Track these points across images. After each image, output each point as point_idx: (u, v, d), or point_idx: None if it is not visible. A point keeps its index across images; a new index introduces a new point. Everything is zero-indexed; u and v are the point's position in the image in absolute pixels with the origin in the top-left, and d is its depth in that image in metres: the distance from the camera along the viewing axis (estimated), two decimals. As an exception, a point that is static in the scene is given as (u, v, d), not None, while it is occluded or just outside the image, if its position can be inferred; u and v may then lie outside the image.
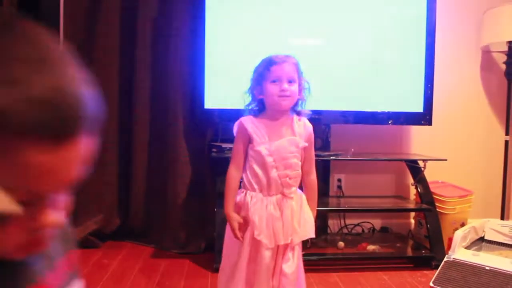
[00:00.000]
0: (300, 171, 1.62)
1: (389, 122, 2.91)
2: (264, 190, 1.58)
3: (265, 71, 1.58)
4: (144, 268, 2.50)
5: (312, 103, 2.81)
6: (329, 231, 3.15)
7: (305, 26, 2.85)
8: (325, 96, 2.85)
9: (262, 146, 1.57)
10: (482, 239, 2.56)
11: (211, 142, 2.88)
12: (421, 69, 2.91)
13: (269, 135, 1.59)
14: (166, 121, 2.88)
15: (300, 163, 1.62)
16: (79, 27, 2.86)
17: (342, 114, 2.88)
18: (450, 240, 2.41)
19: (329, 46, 2.86)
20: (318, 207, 2.82)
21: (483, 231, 2.58)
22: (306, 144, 1.63)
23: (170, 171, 2.85)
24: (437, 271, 2.23)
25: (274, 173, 1.56)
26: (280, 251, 1.62)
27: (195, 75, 2.80)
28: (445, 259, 2.25)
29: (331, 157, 2.78)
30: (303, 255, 2.62)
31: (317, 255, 2.69)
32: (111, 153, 2.92)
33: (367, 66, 2.89)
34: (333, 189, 3.17)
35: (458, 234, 2.30)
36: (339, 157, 2.78)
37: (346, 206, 2.97)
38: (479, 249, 2.43)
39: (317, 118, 2.87)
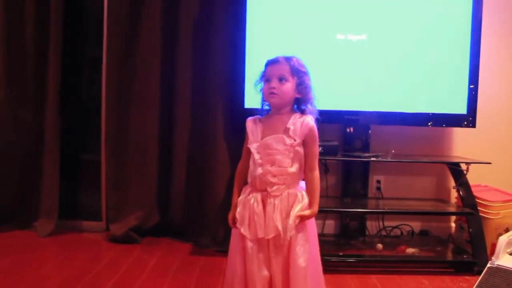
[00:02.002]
0: (289, 169, 1.60)
1: (429, 124, 2.85)
2: (253, 185, 1.63)
3: (263, 72, 1.67)
4: (183, 264, 2.55)
5: (352, 104, 2.83)
6: (367, 232, 3.11)
7: (348, 23, 2.83)
8: (365, 96, 2.83)
9: (254, 144, 1.63)
10: (527, 245, 2.47)
11: (250, 141, 2.89)
12: (465, 70, 2.84)
13: (263, 133, 1.64)
14: (206, 120, 2.92)
15: (290, 160, 1.60)
16: (123, 29, 2.92)
17: (381, 114, 2.84)
18: (493, 245, 2.34)
19: (371, 44, 2.83)
20: (356, 208, 2.85)
21: (529, 237, 2.48)
22: (296, 141, 1.60)
23: (210, 170, 2.88)
24: (480, 277, 2.16)
25: (259, 170, 1.60)
26: (272, 245, 1.59)
27: (236, 74, 2.82)
28: (488, 265, 2.18)
29: (372, 158, 2.75)
30: (341, 255, 2.64)
31: (355, 257, 2.68)
32: (152, 151, 2.98)
33: (409, 65, 2.84)
34: (372, 190, 3.13)
35: (503, 239, 2.23)
36: (379, 159, 2.74)
37: (385, 208, 2.93)
38: (524, 256, 2.34)
39: (356, 118, 2.86)
